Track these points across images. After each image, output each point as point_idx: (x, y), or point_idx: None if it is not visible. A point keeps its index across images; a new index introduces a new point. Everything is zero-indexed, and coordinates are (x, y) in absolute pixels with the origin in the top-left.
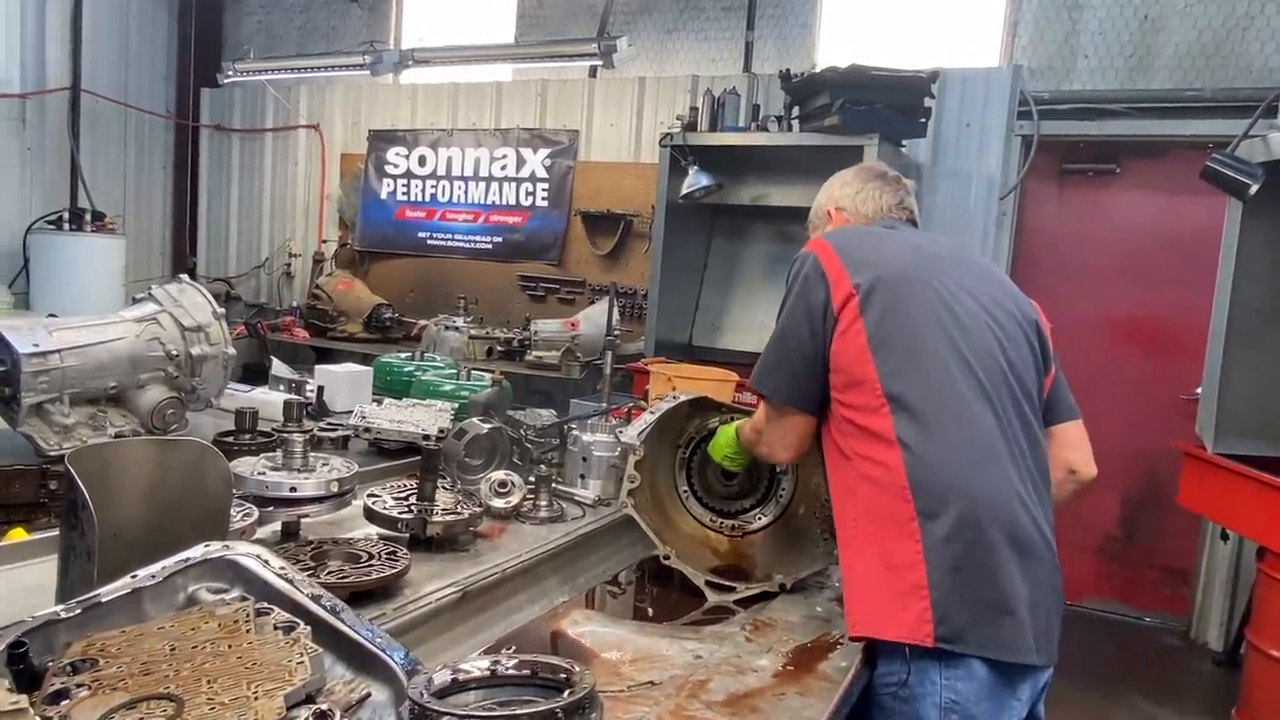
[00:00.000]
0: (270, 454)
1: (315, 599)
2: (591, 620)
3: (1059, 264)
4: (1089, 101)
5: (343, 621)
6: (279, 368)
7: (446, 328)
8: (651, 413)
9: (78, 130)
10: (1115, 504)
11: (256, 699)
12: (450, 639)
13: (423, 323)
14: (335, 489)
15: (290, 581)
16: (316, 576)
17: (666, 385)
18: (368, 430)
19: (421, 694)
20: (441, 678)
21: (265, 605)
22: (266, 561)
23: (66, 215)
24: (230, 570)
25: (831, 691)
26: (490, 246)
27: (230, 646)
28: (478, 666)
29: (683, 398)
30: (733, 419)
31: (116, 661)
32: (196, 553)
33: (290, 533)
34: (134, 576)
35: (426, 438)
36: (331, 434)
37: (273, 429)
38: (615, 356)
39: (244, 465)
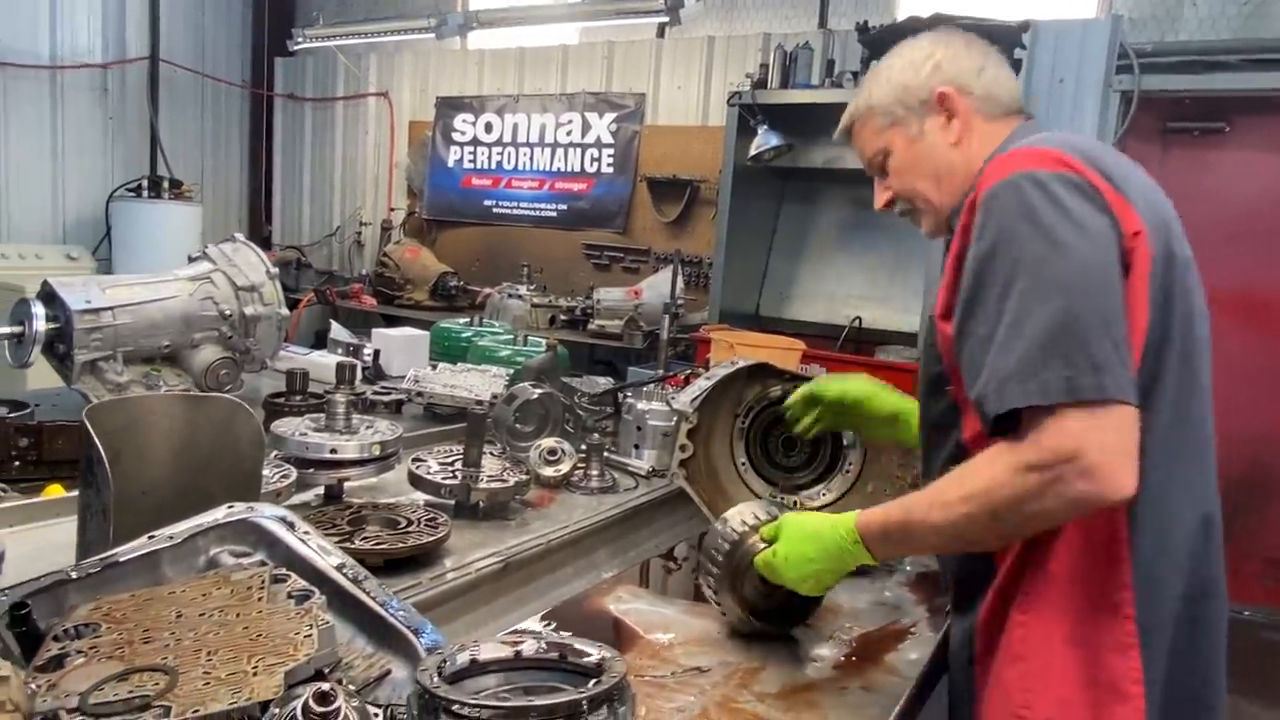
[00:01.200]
0: (315, 415)
1: (339, 567)
2: (639, 598)
3: None
4: (1196, 54)
5: (365, 592)
6: (337, 331)
7: (510, 296)
8: (707, 378)
9: (157, 99)
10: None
11: (255, 674)
12: (490, 612)
13: (487, 291)
14: (377, 452)
15: (313, 547)
16: (351, 542)
17: (729, 353)
18: (420, 394)
19: (432, 677)
20: (459, 658)
21: (282, 572)
22: (291, 525)
23: (146, 183)
24: (254, 534)
25: (900, 687)
26: (555, 214)
27: (238, 615)
28: (500, 647)
29: (741, 363)
30: (796, 386)
31: (119, 627)
32: (218, 514)
33: (333, 496)
34: (151, 537)
35: (479, 403)
36: (385, 398)
37: (324, 391)
38: (679, 326)
39: (285, 426)
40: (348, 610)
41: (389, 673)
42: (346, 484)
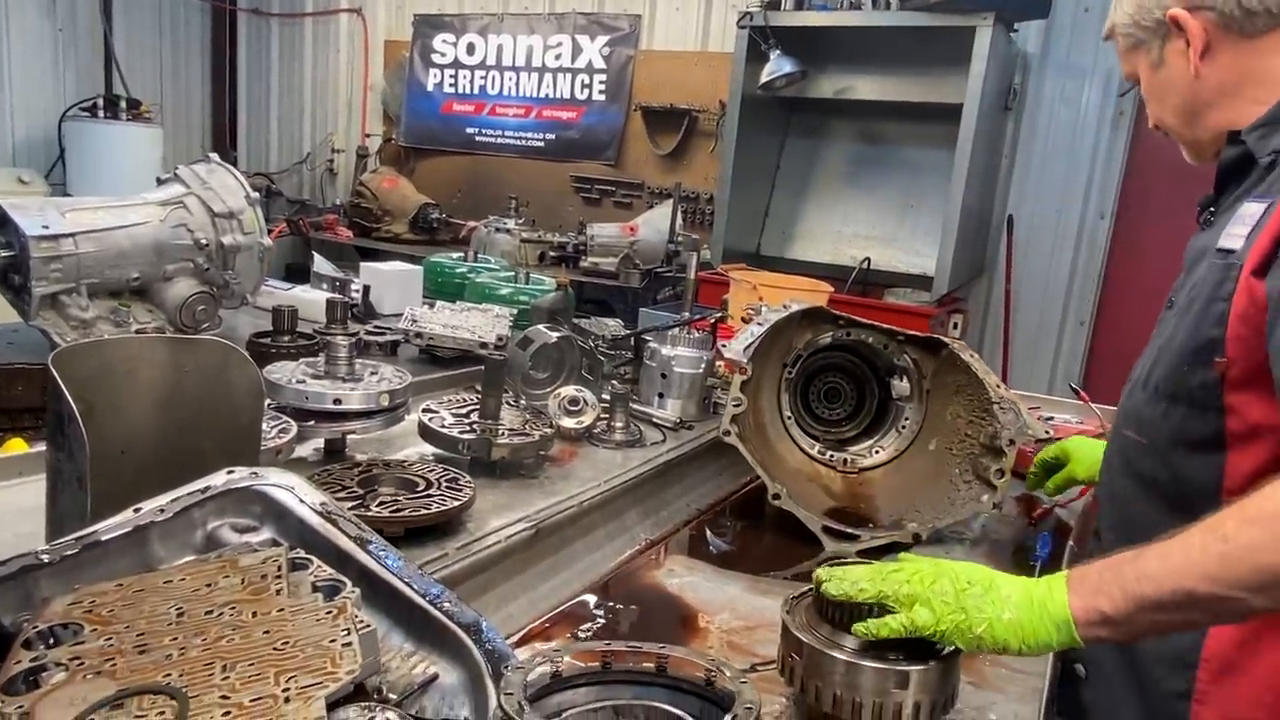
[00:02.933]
0: (311, 359)
1: (362, 543)
2: (694, 570)
3: (1183, 174)
4: None
5: (400, 578)
6: (321, 264)
7: (497, 230)
8: (759, 324)
9: (110, 10)
10: None
11: (287, 700)
12: (521, 584)
13: (471, 224)
14: (386, 402)
15: (333, 521)
16: (366, 507)
17: (751, 294)
18: (419, 335)
19: (519, 703)
20: (538, 671)
21: (302, 555)
22: (304, 494)
23: (101, 102)
24: (259, 503)
25: (1005, 681)
26: (543, 144)
27: (255, 615)
28: (584, 656)
29: (795, 307)
30: (849, 333)
31: (107, 629)
32: (217, 481)
33: (334, 451)
34: (138, 510)
35: (484, 346)
36: (379, 338)
37: (314, 331)
38: (677, 266)
39: (280, 371)
40: (379, 599)
41: (435, 677)
42: (349, 438)
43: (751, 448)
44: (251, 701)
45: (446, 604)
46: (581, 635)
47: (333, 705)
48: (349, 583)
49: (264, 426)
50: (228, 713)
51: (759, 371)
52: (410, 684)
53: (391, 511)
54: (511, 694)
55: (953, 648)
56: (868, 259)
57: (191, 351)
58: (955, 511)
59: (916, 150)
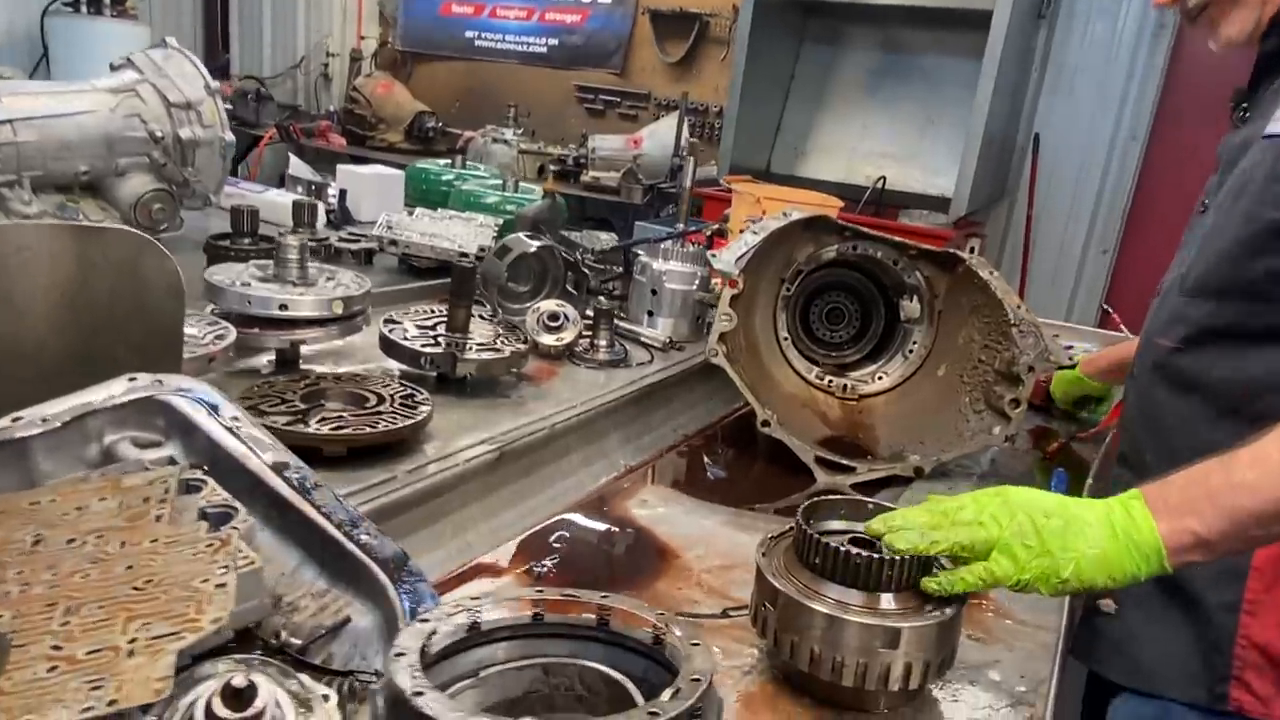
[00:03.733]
0: (262, 261)
1: (279, 467)
2: (669, 501)
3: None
4: None
5: (317, 506)
6: (297, 167)
7: (494, 140)
8: (755, 233)
9: None
10: None
11: (132, 654)
12: (482, 510)
13: (469, 134)
14: (339, 310)
15: (245, 438)
16: (305, 423)
17: (754, 208)
18: (394, 243)
19: (411, 673)
20: (454, 623)
21: (197, 476)
22: (215, 406)
23: None
24: (163, 416)
25: (1010, 635)
26: (545, 50)
27: (123, 545)
28: (514, 606)
29: (795, 215)
30: (856, 247)
31: None
32: (114, 389)
33: (286, 363)
34: (16, 419)
35: (463, 255)
36: (352, 245)
37: (278, 235)
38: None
39: (224, 273)
40: (292, 529)
41: (347, 621)
42: (305, 349)
43: (740, 369)
44: (87, 654)
45: (364, 536)
46: (538, 570)
47: (197, 659)
48: (242, 509)
49: (196, 332)
50: (54, 667)
51: (753, 286)
52: (318, 628)
53: (332, 429)
54: (403, 655)
55: (955, 608)
56: (883, 178)
57: (98, 243)
58: (963, 444)
59: (940, 61)
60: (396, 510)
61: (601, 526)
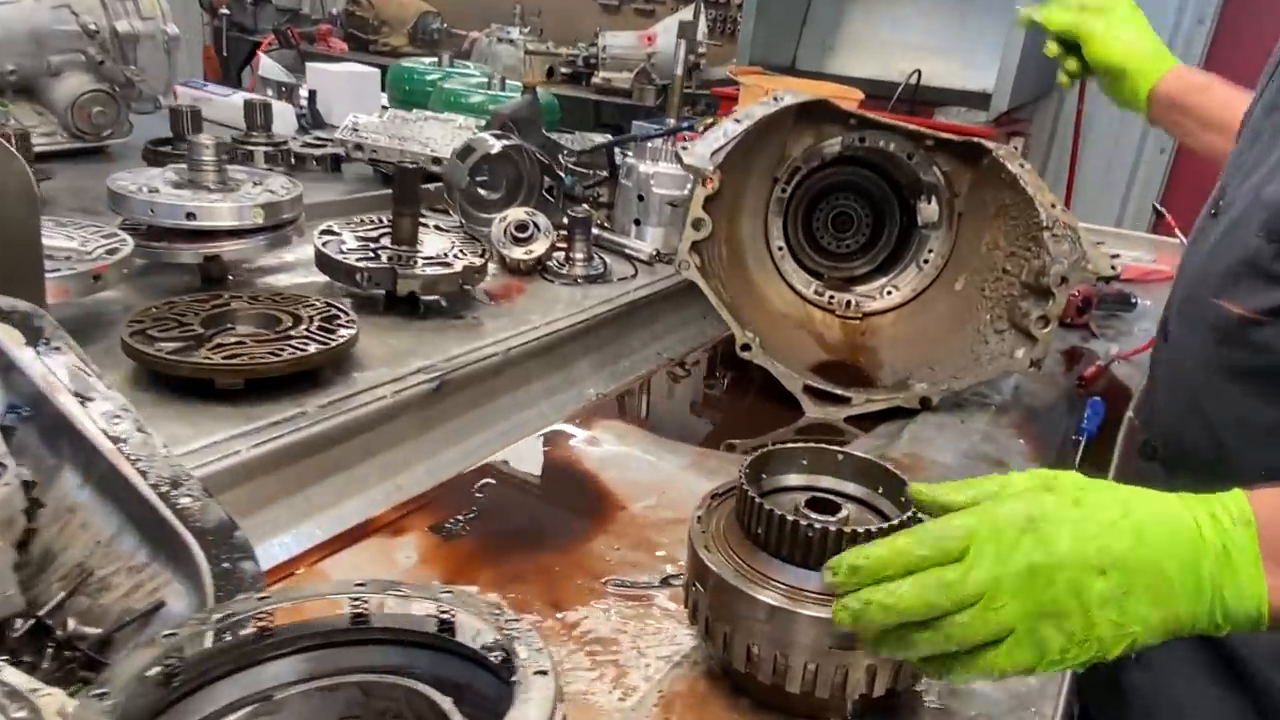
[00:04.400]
0: (180, 165)
1: (82, 398)
2: (625, 439)
3: None
4: None
5: (129, 458)
6: (268, 67)
7: (500, 40)
8: (737, 120)
9: None
10: None
11: None
12: (415, 451)
13: (474, 35)
14: (259, 219)
15: (59, 374)
16: (197, 350)
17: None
18: (359, 148)
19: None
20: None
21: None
22: (40, 333)
23: None
24: None
25: None
26: None
27: None
28: (328, 605)
29: (789, 100)
30: (864, 139)
31: None
32: None
33: (212, 280)
34: None
35: (438, 162)
36: (316, 151)
37: (233, 139)
38: (699, 82)
39: (130, 179)
40: (111, 491)
41: (160, 605)
42: (234, 265)
43: (718, 285)
44: None
45: (184, 499)
46: (450, 528)
47: None
48: (10, 465)
49: (84, 245)
50: None
51: (737, 187)
52: (127, 612)
53: (226, 357)
54: (105, 695)
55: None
56: (917, 72)
57: None
58: (980, 369)
59: None
60: (306, 451)
61: (537, 471)
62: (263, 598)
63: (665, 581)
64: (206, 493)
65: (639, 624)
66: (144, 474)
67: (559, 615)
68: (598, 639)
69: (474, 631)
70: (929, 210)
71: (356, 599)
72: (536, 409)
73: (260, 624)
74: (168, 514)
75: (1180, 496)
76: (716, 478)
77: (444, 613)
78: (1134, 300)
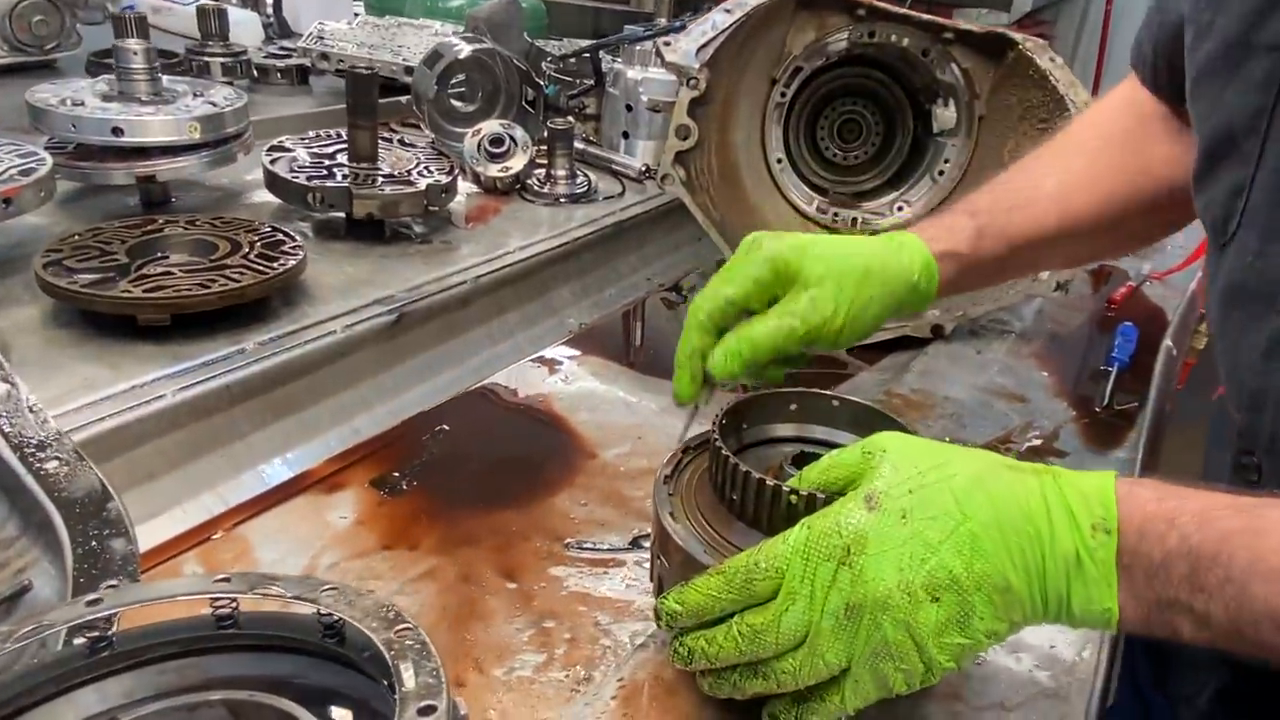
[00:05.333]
0: (110, 77)
1: None
2: (600, 376)
3: None
4: None
5: None
6: None
7: None
8: (727, 10)
9: None
10: None
11: None
12: (375, 391)
13: None
14: (195, 134)
15: None
16: (119, 281)
17: None
18: (325, 57)
19: None
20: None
21: None
22: None
23: None
24: None
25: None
26: None
27: None
28: (185, 606)
29: None
30: (873, 32)
31: None
32: None
33: (154, 203)
34: None
35: (410, 71)
36: (280, 62)
37: (185, 50)
38: None
39: (51, 91)
40: None
41: (27, 589)
42: (182, 188)
43: (707, 201)
44: None
45: (51, 463)
46: (394, 480)
47: None
48: None
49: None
50: None
51: (729, 89)
52: None
53: (148, 291)
54: None
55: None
56: None
57: None
58: (999, 293)
59: None
60: (245, 394)
61: (499, 414)
62: (92, 600)
63: (635, 543)
64: (79, 455)
65: (601, 596)
66: (4, 433)
67: (510, 585)
68: (552, 614)
69: (362, 643)
70: (946, 115)
71: (220, 599)
72: (511, 341)
73: (93, 632)
74: (30, 481)
75: (1041, 481)
76: (703, 420)
77: (325, 616)
78: None
